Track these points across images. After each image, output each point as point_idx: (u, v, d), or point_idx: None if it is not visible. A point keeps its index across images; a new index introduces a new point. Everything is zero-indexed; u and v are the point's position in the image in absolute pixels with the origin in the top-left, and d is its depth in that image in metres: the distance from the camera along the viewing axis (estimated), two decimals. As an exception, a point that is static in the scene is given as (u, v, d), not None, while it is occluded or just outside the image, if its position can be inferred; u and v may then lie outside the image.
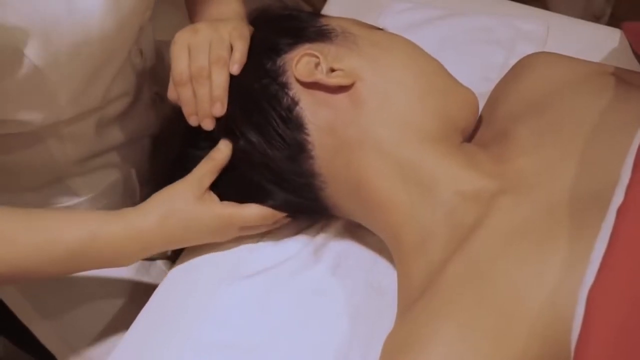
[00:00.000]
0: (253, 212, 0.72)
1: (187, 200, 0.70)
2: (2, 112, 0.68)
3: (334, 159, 0.69)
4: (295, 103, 0.69)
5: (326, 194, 0.71)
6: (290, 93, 0.69)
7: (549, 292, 0.53)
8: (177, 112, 0.73)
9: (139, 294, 0.89)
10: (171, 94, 0.72)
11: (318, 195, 0.71)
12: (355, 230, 0.76)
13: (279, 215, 0.73)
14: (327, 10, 1.04)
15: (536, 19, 0.97)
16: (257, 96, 0.69)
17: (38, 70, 0.65)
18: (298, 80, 0.69)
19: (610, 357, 0.47)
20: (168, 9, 0.90)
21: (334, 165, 0.69)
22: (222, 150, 0.71)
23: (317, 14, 0.77)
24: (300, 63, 0.69)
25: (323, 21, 0.73)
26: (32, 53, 0.64)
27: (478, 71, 0.90)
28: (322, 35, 0.71)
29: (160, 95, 0.89)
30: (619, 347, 0.47)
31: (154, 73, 0.88)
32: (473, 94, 0.73)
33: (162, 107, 0.89)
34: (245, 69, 0.70)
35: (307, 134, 0.68)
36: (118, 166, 0.87)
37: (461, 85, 0.73)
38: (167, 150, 0.77)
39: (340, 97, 0.68)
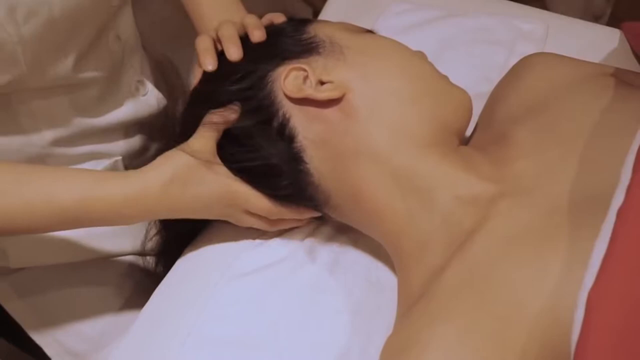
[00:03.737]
0: (261, 200, 0.70)
1: (197, 165, 0.68)
2: None
3: (331, 172, 0.68)
4: (287, 120, 0.68)
5: (328, 206, 0.71)
6: (281, 110, 0.68)
7: (548, 296, 0.53)
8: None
9: (134, 293, 0.89)
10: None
11: (320, 207, 0.71)
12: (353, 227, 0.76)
13: (285, 214, 0.72)
14: (326, 10, 1.04)
15: (536, 19, 0.97)
16: (250, 115, 0.69)
17: None
18: (287, 97, 0.68)
19: (610, 360, 0.47)
20: (160, 10, 0.90)
21: (332, 177, 0.68)
22: (234, 109, 0.69)
23: (303, 21, 0.75)
24: (288, 79, 0.68)
25: (309, 31, 0.72)
26: None
27: (478, 71, 0.90)
28: (308, 46, 0.70)
29: (142, 84, 0.89)
30: (618, 349, 0.47)
31: (136, 63, 0.88)
32: (466, 93, 0.72)
33: (147, 98, 0.89)
34: (235, 88, 0.70)
35: (302, 149, 0.68)
36: (102, 155, 0.86)
37: (453, 85, 0.72)
38: None
39: (332, 110, 0.67)
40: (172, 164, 0.68)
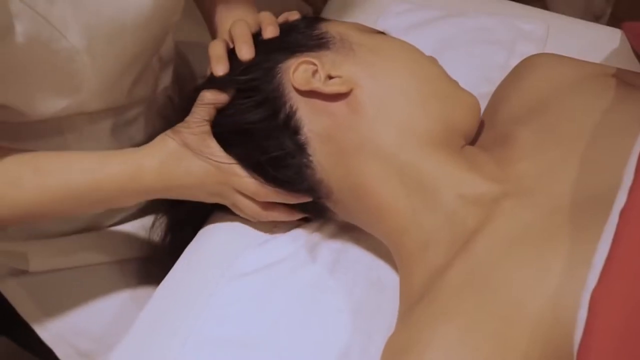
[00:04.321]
0: (252, 180, 0.71)
1: (191, 139, 0.70)
2: (32, 92, 0.70)
3: (335, 166, 0.68)
4: (293, 112, 0.68)
5: (330, 201, 0.71)
6: (288, 102, 0.69)
7: (550, 296, 0.53)
8: None
9: (139, 292, 0.89)
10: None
11: (322, 202, 0.71)
12: (354, 226, 0.76)
13: (274, 197, 0.72)
14: (327, 11, 1.04)
15: (536, 19, 0.97)
16: (255, 109, 0.69)
17: (76, 52, 0.67)
18: (295, 89, 0.68)
19: (612, 361, 0.47)
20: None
21: (335, 172, 0.69)
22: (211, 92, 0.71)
23: (315, 18, 0.76)
24: (298, 71, 0.68)
25: (321, 27, 0.73)
26: (71, 35, 0.66)
27: (478, 71, 0.89)
28: (319, 42, 0.71)
29: (171, 98, 0.90)
30: (621, 350, 0.47)
31: (168, 80, 0.89)
32: (474, 98, 0.72)
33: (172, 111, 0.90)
34: (244, 80, 0.70)
35: (306, 142, 0.68)
36: None
37: (462, 89, 0.73)
38: None
39: (338, 105, 0.68)
40: (167, 144, 0.70)
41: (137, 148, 0.72)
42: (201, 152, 0.70)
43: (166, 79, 0.89)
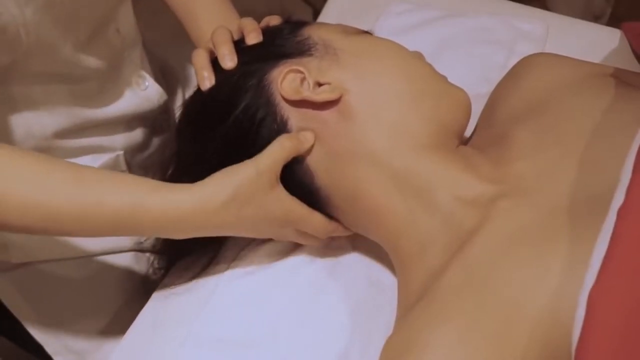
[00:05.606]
0: (320, 220, 0.70)
1: (261, 185, 0.66)
2: None
3: (330, 173, 0.68)
4: (284, 123, 0.68)
5: (329, 207, 0.70)
6: (279, 114, 0.68)
7: (549, 296, 0.53)
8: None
9: (135, 291, 0.89)
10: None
11: (322, 210, 0.71)
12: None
13: (341, 230, 0.72)
14: (326, 11, 1.04)
15: (536, 19, 0.97)
16: (246, 121, 0.68)
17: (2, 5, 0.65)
18: (285, 99, 0.68)
19: (611, 360, 0.47)
20: (160, 8, 0.91)
21: (331, 179, 0.68)
22: (308, 139, 0.68)
23: (298, 23, 0.75)
24: (286, 81, 0.67)
25: (303, 33, 0.72)
26: None
27: (478, 71, 0.90)
28: (301, 48, 0.70)
29: (142, 78, 0.89)
30: (619, 349, 0.47)
31: (136, 58, 0.88)
32: (464, 93, 0.72)
33: (147, 93, 0.89)
34: (230, 92, 0.69)
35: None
36: (104, 149, 0.86)
37: (452, 85, 0.72)
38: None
39: (329, 112, 0.67)
40: (234, 181, 0.66)
41: (193, 184, 0.66)
42: (272, 192, 0.67)
43: (135, 56, 0.88)
